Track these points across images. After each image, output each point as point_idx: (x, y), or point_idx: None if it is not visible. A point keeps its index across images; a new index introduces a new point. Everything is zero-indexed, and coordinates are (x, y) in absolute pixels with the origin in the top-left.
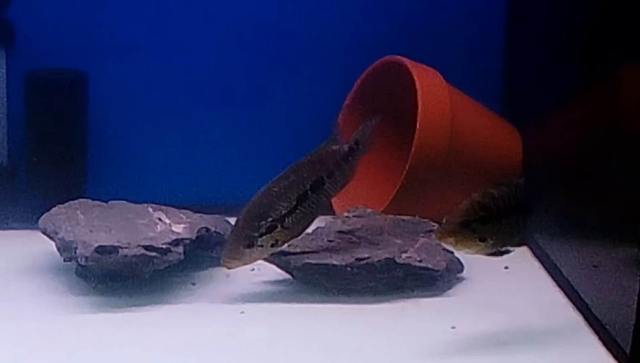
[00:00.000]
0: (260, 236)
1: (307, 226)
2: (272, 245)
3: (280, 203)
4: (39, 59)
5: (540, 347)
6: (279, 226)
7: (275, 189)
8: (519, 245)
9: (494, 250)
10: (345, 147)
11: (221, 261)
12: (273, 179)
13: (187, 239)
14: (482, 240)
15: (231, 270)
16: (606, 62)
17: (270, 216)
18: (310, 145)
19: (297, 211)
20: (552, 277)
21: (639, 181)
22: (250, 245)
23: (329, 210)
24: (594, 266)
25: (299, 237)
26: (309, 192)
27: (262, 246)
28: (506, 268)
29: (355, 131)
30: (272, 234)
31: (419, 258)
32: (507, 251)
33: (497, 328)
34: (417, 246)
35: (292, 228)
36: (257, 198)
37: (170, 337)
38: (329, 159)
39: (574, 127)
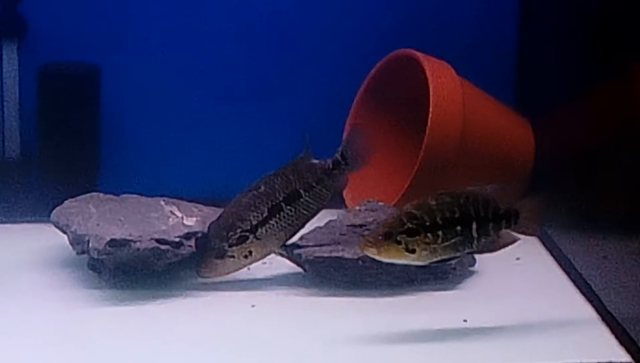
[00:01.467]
0: (230, 246)
1: (286, 239)
2: (246, 257)
3: (249, 214)
4: (52, 52)
5: (552, 340)
6: (250, 237)
7: (244, 200)
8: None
9: (438, 259)
10: (330, 161)
11: (196, 272)
12: (243, 190)
13: (199, 232)
14: (411, 251)
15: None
16: (619, 56)
17: (239, 227)
18: (320, 140)
19: (271, 222)
20: (565, 271)
21: None
22: (220, 256)
23: (341, 204)
24: (604, 257)
25: (308, 231)
26: (283, 204)
27: (233, 256)
28: (518, 259)
29: (341, 144)
30: (244, 245)
31: None
32: (455, 258)
33: (509, 321)
34: None
35: (266, 240)
36: (227, 208)
37: (182, 330)
38: (308, 173)
39: (586, 121)
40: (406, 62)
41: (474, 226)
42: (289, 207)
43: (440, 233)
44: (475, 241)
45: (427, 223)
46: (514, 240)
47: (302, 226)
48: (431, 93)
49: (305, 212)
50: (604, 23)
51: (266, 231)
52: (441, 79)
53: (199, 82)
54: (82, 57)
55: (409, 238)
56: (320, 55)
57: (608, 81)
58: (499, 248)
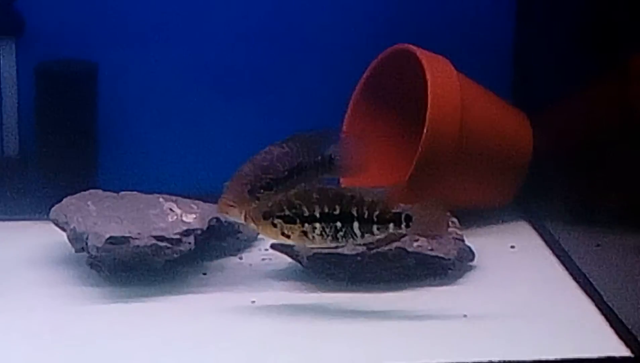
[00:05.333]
0: (262, 187)
1: None
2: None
3: (278, 166)
4: (49, 50)
5: (551, 335)
6: (272, 187)
7: (276, 152)
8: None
9: (318, 247)
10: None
11: (218, 207)
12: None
13: (198, 229)
14: (286, 236)
15: (241, 260)
16: (618, 50)
17: (270, 174)
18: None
19: (293, 179)
20: (565, 267)
21: None
22: (252, 192)
23: None
24: (598, 247)
25: None
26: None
27: (258, 199)
28: (512, 247)
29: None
30: (270, 192)
31: (430, 247)
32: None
33: (508, 316)
34: None
35: (279, 199)
36: (260, 153)
37: (182, 327)
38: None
39: (584, 115)
40: (404, 57)
41: (356, 224)
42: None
43: (317, 225)
44: (358, 238)
45: (305, 214)
46: (403, 235)
47: None
48: (429, 88)
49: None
50: (602, 18)
51: (286, 190)
52: (439, 74)
53: (197, 80)
54: (80, 55)
55: (285, 224)
56: (318, 51)
57: (606, 76)
58: (387, 244)
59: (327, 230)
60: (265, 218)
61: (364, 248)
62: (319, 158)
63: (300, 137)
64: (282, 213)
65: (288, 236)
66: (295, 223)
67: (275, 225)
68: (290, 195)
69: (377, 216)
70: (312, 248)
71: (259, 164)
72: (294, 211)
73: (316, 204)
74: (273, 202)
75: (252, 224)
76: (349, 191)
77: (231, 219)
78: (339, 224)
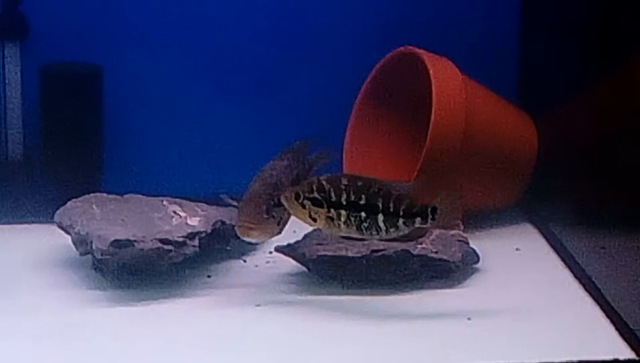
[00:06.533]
0: (275, 205)
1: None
2: (278, 223)
3: (284, 179)
4: (54, 52)
5: (556, 338)
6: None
7: (278, 166)
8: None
9: (343, 235)
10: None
11: (238, 231)
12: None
13: (202, 232)
14: (313, 219)
15: (245, 263)
16: (623, 50)
17: (280, 189)
18: (324, 136)
19: None
20: (570, 269)
21: None
22: (267, 211)
23: None
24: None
25: (311, 229)
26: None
27: (274, 217)
28: (517, 249)
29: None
30: (281, 209)
31: (434, 250)
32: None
33: (512, 319)
34: (432, 237)
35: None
36: (265, 169)
37: (186, 330)
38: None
39: (589, 116)
40: (409, 59)
41: (380, 217)
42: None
43: (342, 212)
44: (382, 232)
45: (332, 199)
46: (426, 231)
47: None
48: (434, 91)
49: None
50: (608, 19)
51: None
52: (444, 77)
53: (201, 81)
54: (85, 58)
55: (312, 206)
56: (322, 52)
57: (611, 77)
58: (412, 239)
59: (352, 219)
60: (296, 198)
61: (369, 250)
62: (306, 165)
63: (292, 147)
64: (311, 195)
65: (315, 220)
66: (322, 206)
67: (304, 206)
68: (322, 178)
69: (403, 210)
70: (340, 236)
71: (268, 181)
72: (322, 194)
73: (344, 191)
74: (306, 183)
75: (287, 204)
76: (377, 183)
77: (253, 241)
78: (363, 214)
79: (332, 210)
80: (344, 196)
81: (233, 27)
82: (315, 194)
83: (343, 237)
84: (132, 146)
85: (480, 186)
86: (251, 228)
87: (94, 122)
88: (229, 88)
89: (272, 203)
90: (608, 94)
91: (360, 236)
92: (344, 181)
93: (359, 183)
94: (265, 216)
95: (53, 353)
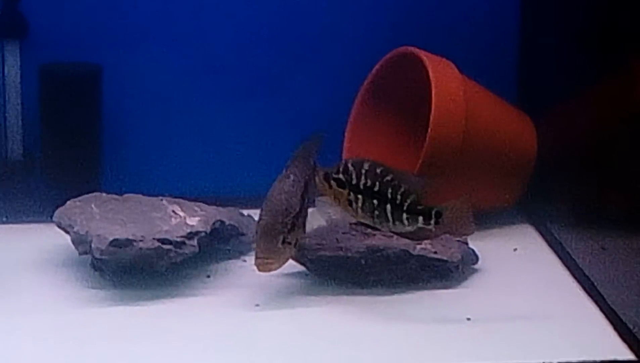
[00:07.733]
0: (289, 232)
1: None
2: (294, 244)
3: (293, 200)
4: (53, 52)
5: (555, 338)
6: (295, 224)
7: (285, 187)
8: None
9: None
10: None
11: (257, 268)
12: (278, 178)
13: (202, 232)
14: (337, 200)
15: (245, 263)
16: (623, 51)
17: (291, 213)
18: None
19: (302, 210)
20: (569, 270)
21: None
22: (283, 241)
23: None
24: (603, 250)
25: (311, 229)
26: (305, 191)
27: (290, 243)
28: (516, 250)
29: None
30: (295, 231)
31: (434, 250)
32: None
33: (512, 319)
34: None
35: (300, 228)
36: (272, 197)
37: (185, 330)
38: (310, 161)
39: (588, 117)
40: (408, 60)
41: (388, 207)
42: (307, 194)
43: (360, 197)
44: (390, 223)
45: (353, 182)
46: (437, 235)
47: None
48: (433, 91)
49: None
50: (608, 18)
51: (301, 218)
52: (443, 77)
53: (202, 81)
54: (84, 58)
55: (337, 188)
56: (321, 53)
57: (611, 77)
58: (419, 240)
59: (367, 205)
60: (325, 179)
61: (369, 250)
62: (314, 166)
63: (297, 155)
64: (337, 176)
65: (338, 201)
66: (344, 188)
67: (331, 187)
68: (348, 160)
69: (407, 206)
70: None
71: (278, 210)
72: (345, 176)
73: (363, 176)
74: (336, 164)
75: (318, 183)
76: (393, 173)
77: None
78: (375, 202)
79: (351, 193)
80: (362, 181)
81: (233, 27)
82: (340, 176)
83: (356, 224)
84: (131, 146)
85: (479, 186)
86: (270, 263)
87: (94, 122)
88: (228, 88)
89: (285, 231)
90: (608, 94)
91: (372, 224)
92: (365, 166)
93: (378, 170)
94: (281, 247)
95: (52, 352)
